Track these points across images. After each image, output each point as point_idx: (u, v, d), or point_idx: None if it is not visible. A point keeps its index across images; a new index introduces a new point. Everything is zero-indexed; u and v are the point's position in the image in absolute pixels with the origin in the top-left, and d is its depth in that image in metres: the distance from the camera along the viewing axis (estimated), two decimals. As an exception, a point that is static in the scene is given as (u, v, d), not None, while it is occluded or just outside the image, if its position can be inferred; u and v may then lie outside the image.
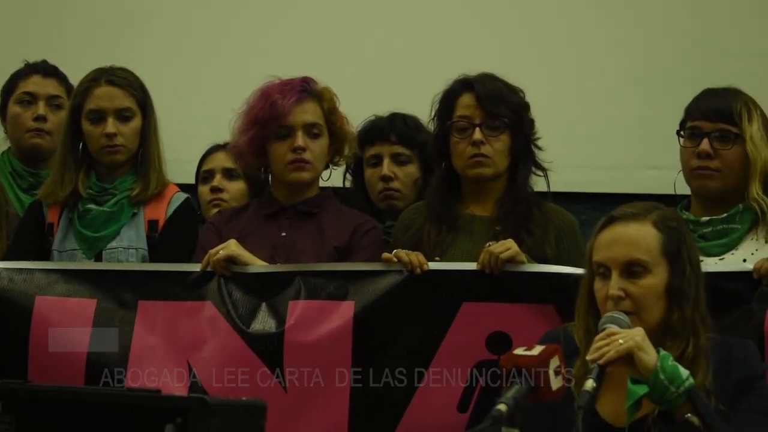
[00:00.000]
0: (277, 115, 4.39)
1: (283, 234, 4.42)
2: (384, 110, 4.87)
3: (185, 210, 4.64)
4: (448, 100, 4.38)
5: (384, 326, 4.11)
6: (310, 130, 4.42)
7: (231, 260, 4.24)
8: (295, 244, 4.40)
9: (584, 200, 5.47)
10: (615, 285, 3.48)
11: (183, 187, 4.83)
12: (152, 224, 4.59)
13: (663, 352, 3.36)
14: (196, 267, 4.28)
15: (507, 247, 4.08)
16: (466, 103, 4.34)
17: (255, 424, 2.92)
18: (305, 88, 4.44)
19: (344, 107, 4.52)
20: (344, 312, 4.12)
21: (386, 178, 4.74)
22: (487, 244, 4.14)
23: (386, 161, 4.76)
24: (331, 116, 4.47)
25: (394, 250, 4.17)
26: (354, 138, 4.56)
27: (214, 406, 2.88)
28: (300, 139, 4.39)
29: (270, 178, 4.56)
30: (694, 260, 3.56)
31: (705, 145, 4.17)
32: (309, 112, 4.43)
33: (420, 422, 4.07)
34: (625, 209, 3.58)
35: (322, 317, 4.12)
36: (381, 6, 6.00)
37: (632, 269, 3.49)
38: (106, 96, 4.60)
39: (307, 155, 4.41)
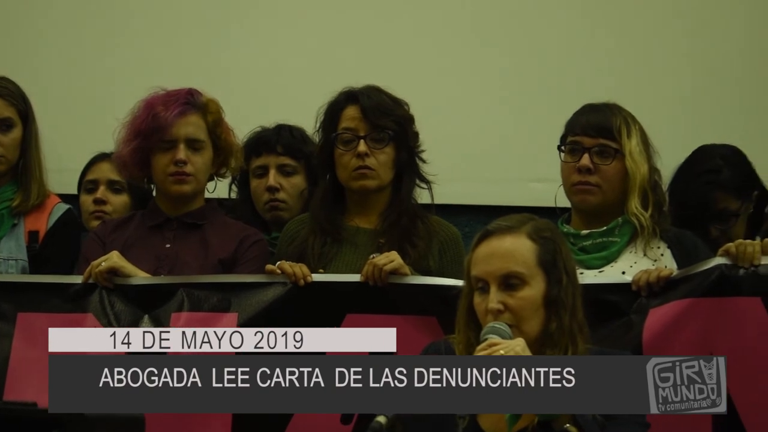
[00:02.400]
0: (160, 128, 4.36)
1: (168, 246, 4.39)
2: (270, 121, 4.87)
3: (66, 221, 4.60)
4: (332, 112, 4.39)
5: (268, 338, 4.11)
6: (193, 143, 4.40)
7: (113, 272, 4.21)
8: (179, 256, 4.37)
9: (468, 213, 5.51)
10: (494, 299, 3.49)
11: (67, 198, 4.78)
12: (33, 235, 4.54)
13: (543, 362, 3.40)
14: (77, 279, 4.24)
15: (390, 259, 4.10)
16: (350, 115, 4.35)
17: (134, 437, 2.91)
18: (189, 101, 4.42)
19: (230, 118, 4.51)
20: (227, 324, 4.10)
21: (272, 189, 4.74)
22: (371, 256, 4.16)
23: (272, 172, 4.76)
24: (216, 129, 4.45)
25: (278, 262, 4.17)
26: (240, 150, 4.55)
27: (91, 419, 2.86)
28: (181, 153, 4.36)
29: (154, 190, 4.53)
30: (570, 270, 3.59)
31: (585, 160, 4.22)
32: (192, 125, 4.40)
33: (304, 434, 4.07)
34: (500, 222, 3.60)
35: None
36: (267, 17, 5.99)
37: (509, 282, 3.51)
38: (-14, 106, 4.55)
39: (188, 168, 4.38)
